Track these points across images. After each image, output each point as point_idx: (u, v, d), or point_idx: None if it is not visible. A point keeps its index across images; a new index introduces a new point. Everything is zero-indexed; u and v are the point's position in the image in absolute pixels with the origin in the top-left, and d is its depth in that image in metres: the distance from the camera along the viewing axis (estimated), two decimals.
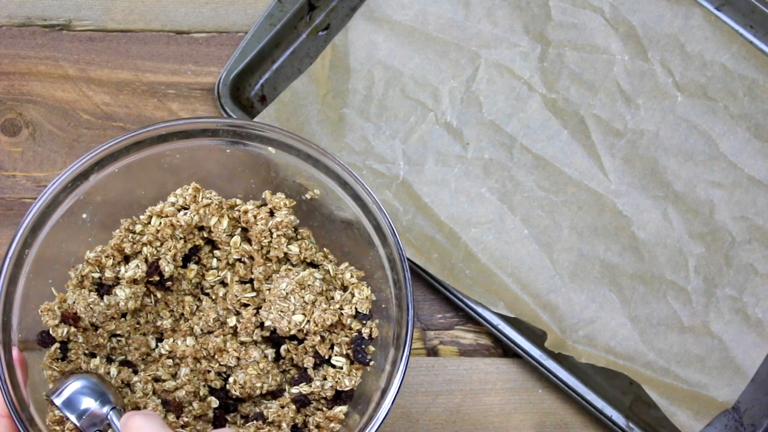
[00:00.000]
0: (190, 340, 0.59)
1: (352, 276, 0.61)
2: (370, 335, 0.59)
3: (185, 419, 0.58)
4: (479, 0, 0.73)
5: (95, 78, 0.72)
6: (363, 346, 0.59)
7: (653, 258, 0.69)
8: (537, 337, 0.67)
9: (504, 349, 0.69)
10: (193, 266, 0.61)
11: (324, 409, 0.59)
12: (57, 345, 0.57)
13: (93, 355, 0.59)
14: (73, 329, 0.57)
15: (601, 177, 0.70)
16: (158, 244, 0.60)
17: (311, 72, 0.71)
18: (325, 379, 0.59)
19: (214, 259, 0.62)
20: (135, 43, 0.73)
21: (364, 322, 0.59)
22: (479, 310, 0.67)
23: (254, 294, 0.60)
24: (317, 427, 0.58)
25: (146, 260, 0.60)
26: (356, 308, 0.59)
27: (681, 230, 0.69)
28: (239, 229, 0.62)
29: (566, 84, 0.72)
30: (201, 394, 0.59)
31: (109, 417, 0.52)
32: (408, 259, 0.66)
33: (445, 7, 0.73)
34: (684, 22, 0.72)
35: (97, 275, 0.59)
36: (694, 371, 0.67)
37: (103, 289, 0.59)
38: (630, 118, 0.71)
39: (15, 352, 0.52)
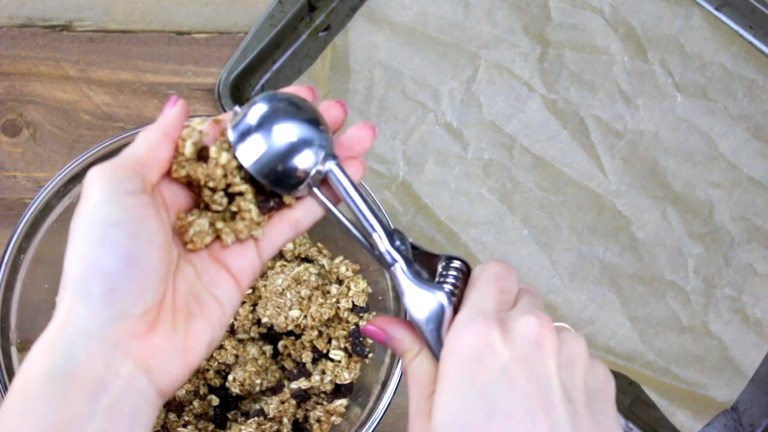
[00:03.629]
0: None
1: (347, 269, 0.61)
2: None
3: (186, 418, 0.58)
4: (479, 1, 0.73)
5: (96, 78, 0.72)
6: (361, 339, 0.59)
7: (653, 258, 0.69)
8: None
9: None
10: None
11: (324, 403, 0.59)
12: None
13: None
14: None
15: (601, 177, 0.70)
16: None
17: (311, 72, 0.71)
18: (324, 373, 0.59)
19: None
20: (135, 44, 0.73)
21: (361, 315, 0.60)
22: None
23: (250, 291, 0.60)
24: (318, 421, 0.58)
25: None
26: (353, 301, 0.59)
27: (680, 230, 0.69)
28: None
29: (566, 84, 0.72)
30: (201, 392, 0.59)
31: (329, 173, 0.40)
32: None
33: (445, 7, 0.73)
34: (684, 22, 0.72)
35: None
36: (693, 371, 0.67)
37: None
38: (630, 118, 0.71)
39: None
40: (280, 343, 0.61)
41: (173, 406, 0.58)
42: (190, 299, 0.39)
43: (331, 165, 0.40)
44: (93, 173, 0.37)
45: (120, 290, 0.35)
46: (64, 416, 0.34)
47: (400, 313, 0.57)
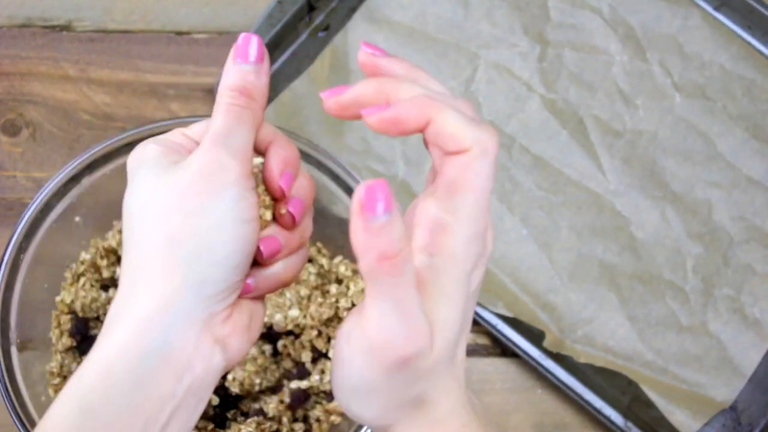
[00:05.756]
0: None
1: (346, 269, 0.61)
2: None
3: None
4: (479, 0, 0.73)
5: (95, 78, 0.72)
6: None
7: (652, 258, 0.69)
8: (536, 336, 0.67)
9: (503, 349, 0.69)
10: None
11: (324, 402, 0.59)
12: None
13: None
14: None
15: (600, 177, 0.70)
16: None
17: (311, 72, 0.71)
18: (323, 372, 0.59)
19: None
20: (135, 44, 0.73)
21: None
22: (478, 309, 0.67)
23: None
24: (318, 420, 0.58)
25: None
26: (352, 301, 0.59)
27: (679, 230, 0.70)
28: None
29: (565, 84, 0.72)
30: None
31: None
32: None
33: (444, 7, 0.73)
34: (683, 22, 0.73)
35: (94, 276, 0.59)
36: (692, 371, 0.67)
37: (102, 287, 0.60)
38: (629, 118, 0.71)
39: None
40: (280, 343, 0.61)
41: None
42: None
43: None
44: (228, 163, 0.37)
45: (231, 282, 0.37)
46: (152, 396, 0.35)
47: None
